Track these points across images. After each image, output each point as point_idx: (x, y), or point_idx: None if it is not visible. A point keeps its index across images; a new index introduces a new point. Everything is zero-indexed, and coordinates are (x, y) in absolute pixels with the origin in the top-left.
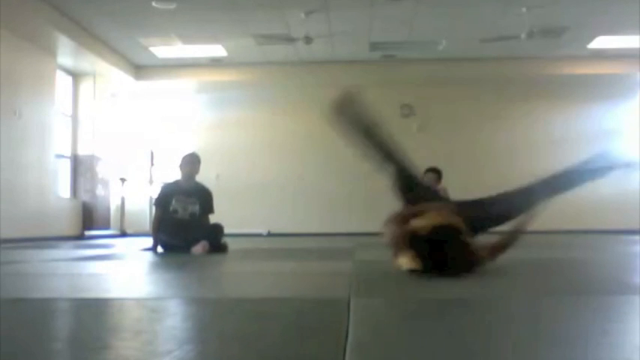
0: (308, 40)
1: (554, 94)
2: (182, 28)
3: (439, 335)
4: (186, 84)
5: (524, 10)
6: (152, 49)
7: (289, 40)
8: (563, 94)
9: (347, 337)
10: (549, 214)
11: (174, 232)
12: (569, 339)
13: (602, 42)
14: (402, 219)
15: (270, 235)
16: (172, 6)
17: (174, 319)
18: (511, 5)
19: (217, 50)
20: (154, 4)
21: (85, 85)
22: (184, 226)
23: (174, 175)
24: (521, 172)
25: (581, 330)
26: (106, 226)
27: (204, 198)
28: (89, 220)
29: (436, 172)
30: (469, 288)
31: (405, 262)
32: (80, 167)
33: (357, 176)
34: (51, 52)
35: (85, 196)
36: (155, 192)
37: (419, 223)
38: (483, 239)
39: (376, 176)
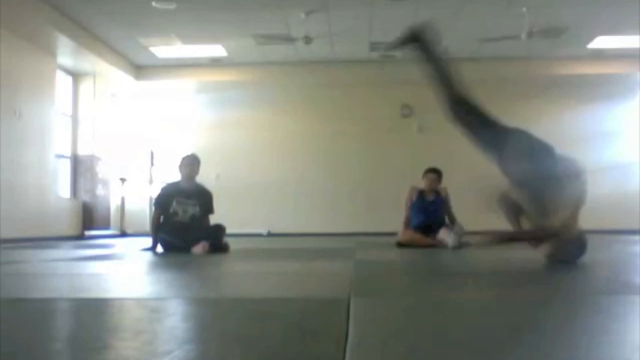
0: (308, 40)
1: (554, 94)
2: (182, 28)
3: (439, 335)
4: (186, 84)
5: (524, 10)
6: (152, 49)
7: (289, 40)
8: (563, 94)
9: (347, 337)
10: None
11: (175, 233)
12: (569, 338)
13: (602, 42)
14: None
15: (270, 235)
16: (172, 6)
17: (175, 319)
18: (511, 5)
19: (217, 50)
20: (153, 4)
21: (85, 85)
22: (184, 227)
23: (174, 175)
24: None
25: (582, 329)
26: (106, 226)
27: (204, 199)
28: (89, 220)
29: (436, 172)
30: (468, 289)
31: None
32: (80, 167)
33: (357, 176)
34: (51, 52)
35: (85, 196)
36: (155, 192)
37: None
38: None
39: (376, 176)
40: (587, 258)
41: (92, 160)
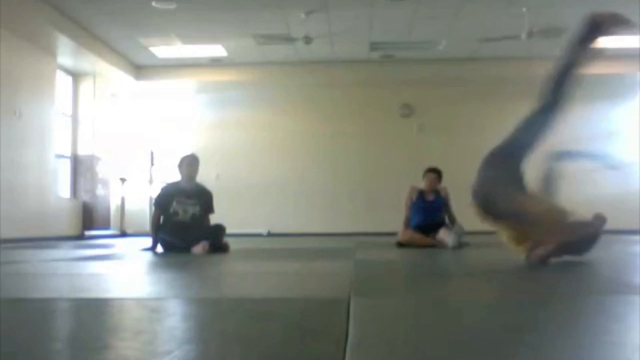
0: (308, 40)
1: None
2: (182, 28)
3: (439, 335)
4: (186, 84)
5: (524, 10)
6: (152, 49)
7: (289, 40)
8: None
9: (347, 337)
10: None
11: (175, 233)
12: (570, 338)
13: (602, 42)
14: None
15: (270, 235)
16: (172, 6)
17: (174, 319)
18: (511, 5)
19: (217, 50)
20: (153, 4)
21: (85, 85)
22: (185, 227)
23: (174, 175)
24: None
25: (583, 329)
26: (106, 226)
27: (204, 199)
28: (89, 220)
29: (436, 172)
30: (468, 288)
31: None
32: (80, 167)
33: (357, 176)
34: (51, 52)
35: (85, 196)
36: (155, 192)
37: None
38: None
39: (376, 176)
40: (587, 258)
41: (92, 160)
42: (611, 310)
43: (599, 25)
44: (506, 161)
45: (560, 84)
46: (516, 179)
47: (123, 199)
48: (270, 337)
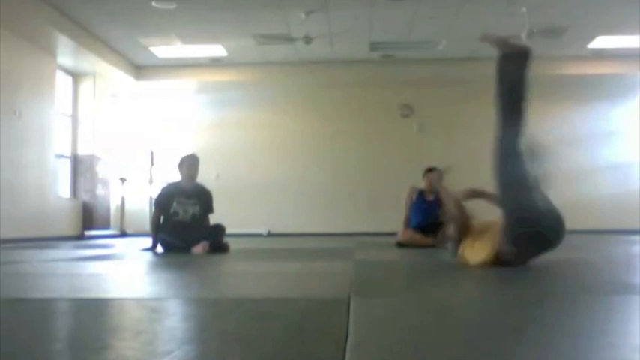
0: (308, 40)
1: (554, 94)
2: (182, 28)
3: (439, 335)
4: (186, 84)
5: (524, 10)
6: (152, 49)
7: (289, 40)
8: (563, 94)
9: (347, 337)
10: None
11: (175, 233)
12: (569, 338)
13: (602, 42)
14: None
15: (270, 235)
16: (172, 6)
17: (174, 319)
18: (511, 5)
19: (217, 50)
20: (153, 4)
21: (85, 85)
22: (185, 227)
23: (174, 175)
24: None
25: (582, 330)
26: (106, 226)
27: (204, 199)
28: (89, 220)
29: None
30: (468, 289)
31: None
32: (80, 167)
33: (357, 176)
34: (51, 52)
35: (85, 196)
36: (155, 192)
37: None
38: None
39: (376, 176)
40: (587, 258)
41: (92, 160)
42: (611, 310)
43: (508, 52)
44: (515, 164)
45: (504, 87)
46: (528, 180)
47: (123, 199)
48: (270, 337)
